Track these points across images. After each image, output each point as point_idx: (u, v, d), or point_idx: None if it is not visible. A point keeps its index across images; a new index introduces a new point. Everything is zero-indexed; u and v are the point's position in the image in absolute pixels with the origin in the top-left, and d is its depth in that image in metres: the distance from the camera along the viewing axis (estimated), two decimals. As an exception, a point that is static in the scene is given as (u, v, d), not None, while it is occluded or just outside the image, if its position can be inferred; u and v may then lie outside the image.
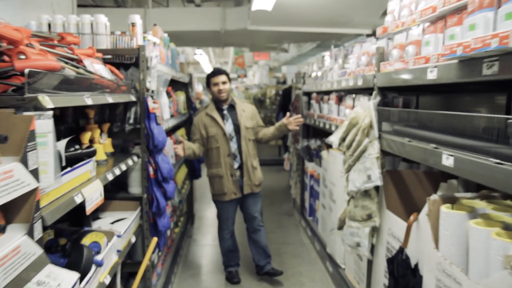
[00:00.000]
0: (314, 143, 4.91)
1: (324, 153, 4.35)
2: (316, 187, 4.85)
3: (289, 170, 6.79)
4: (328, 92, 4.37)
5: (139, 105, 2.55)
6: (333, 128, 3.80)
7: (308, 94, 5.37)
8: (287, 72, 11.13)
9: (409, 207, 2.58)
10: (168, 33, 4.58)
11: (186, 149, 3.59)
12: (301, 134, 5.50)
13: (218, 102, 3.71)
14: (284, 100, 8.53)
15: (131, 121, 2.52)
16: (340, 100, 3.88)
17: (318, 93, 4.72)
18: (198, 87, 20.12)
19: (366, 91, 3.51)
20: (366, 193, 2.62)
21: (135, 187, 2.63)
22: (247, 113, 3.78)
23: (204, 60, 11.41)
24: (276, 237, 5.15)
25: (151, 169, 2.55)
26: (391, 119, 2.62)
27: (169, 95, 3.89)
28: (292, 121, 3.74)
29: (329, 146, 4.39)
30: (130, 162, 2.51)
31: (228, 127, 3.68)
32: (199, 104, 11.55)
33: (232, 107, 3.75)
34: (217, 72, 3.68)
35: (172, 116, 3.92)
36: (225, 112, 3.71)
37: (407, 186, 2.69)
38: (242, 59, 12.21)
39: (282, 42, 5.75)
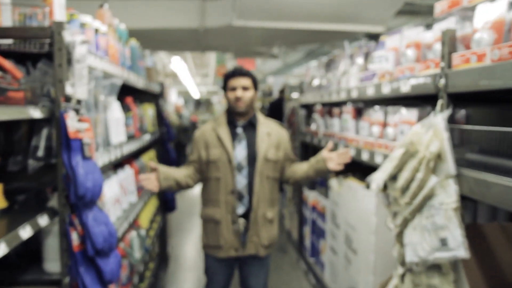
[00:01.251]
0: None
1: (333, 183, 3.36)
2: (320, 223, 3.84)
3: (281, 196, 5.76)
4: (338, 104, 3.39)
5: (54, 125, 1.50)
6: (351, 152, 2.81)
7: (307, 106, 4.39)
8: (273, 83, 10.19)
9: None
10: (133, 31, 3.56)
11: (163, 180, 2.47)
12: (298, 155, 4.50)
13: (232, 115, 2.59)
14: (272, 114, 7.58)
15: (40, 153, 1.47)
16: (359, 113, 2.91)
17: (324, 105, 3.74)
18: (179, 101, 19.04)
19: (404, 101, 2.54)
20: (434, 266, 1.61)
21: (52, 263, 1.57)
22: (273, 139, 2.59)
23: (182, 69, 10.39)
24: (272, 282, 4.06)
25: (75, 236, 1.48)
26: (465, 142, 1.64)
27: (126, 108, 2.85)
28: (335, 157, 2.50)
29: (339, 173, 3.40)
30: (41, 221, 1.46)
31: (239, 152, 2.52)
32: (180, 119, 10.49)
33: (251, 126, 2.60)
34: (237, 72, 2.54)
35: (131, 137, 2.87)
36: (239, 130, 2.56)
37: (493, 250, 1.71)
38: (225, 69, 11.20)
39: (273, 44, 4.81)
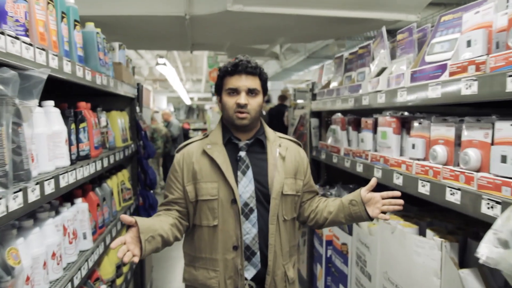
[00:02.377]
0: (336, 192, 3.07)
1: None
2: (339, 264, 2.99)
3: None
4: (365, 112, 2.57)
5: None
6: (395, 179, 1.98)
7: (319, 114, 3.56)
8: (271, 89, 9.38)
9: None
10: (102, 18, 2.73)
11: (147, 243, 1.54)
12: (308, 175, 3.65)
13: (232, 129, 1.83)
14: (271, 122, 6.74)
15: None
16: (403, 125, 2.08)
17: (346, 113, 2.91)
18: (169, 107, 18.12)
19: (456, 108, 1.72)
20: None
21: None
22: (289, 164, 1.84)
23: (169, 73, 9.51)
24: None
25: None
26: None
27: (80, 118, 2.00)
28: (379, 200, 1.77)
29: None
30: None
31: (244, 187, 1.75)
32: (166, 127, 9.60)
33: (258, 145, 1.84)
34: (242, 67, 1.73)
35: (85, 156, 2.02)
36: (243, 153, 1.79)
37: None
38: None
39: (276, 40, 3.98)
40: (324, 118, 3.58)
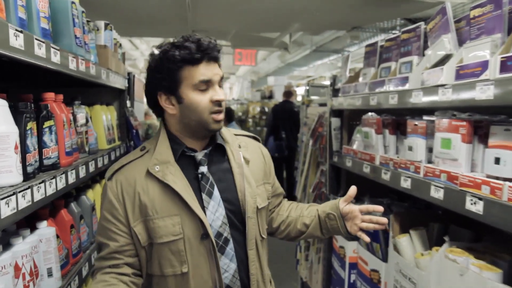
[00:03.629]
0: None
1: (403, 244, 2.02)
2: (367, 293, 2.49)
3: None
4: (401, 112, 2.06)
5: None
6: (469, 204, 1.46)
7: (340, 113, 3.05)
8: (274, 84, 8.84)
9: None
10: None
11: None
12: (327, 184, 3.14)
13: (186, 138, 1.43)
14: (275, 120, 6.21)
15: None
16: (477, 133, 1.57)
17: (379, 112, 2.39)
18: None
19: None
20: None
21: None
22: (255, 164, 1.52)
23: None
24: None
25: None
26: None
27: (44, 114, 1.47)
28: (358, 215, 1.57)
29: (403, 223, 2.09)
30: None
31: (214, 213, 1.39)
32: (148, 132, 8.74)
33: (218, 151, 1.48)
34: (210, 50, 1.33)
35: (51, 166, 1.49)
36: (204, 168, 1.41)
37: None
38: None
39: (289, 27, 3.45)
40: (346, 118, 3.07)
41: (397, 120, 2.28)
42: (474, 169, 1.60)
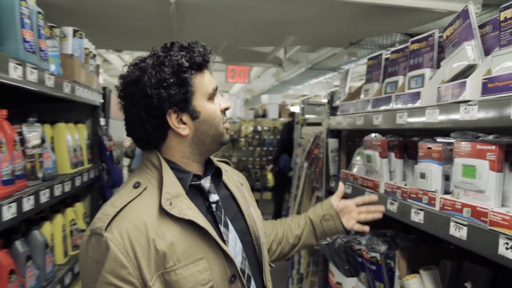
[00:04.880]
0: (368, 242, 2.23)
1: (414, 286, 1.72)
2: None
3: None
4: (421, 133, 1.78)
5: None
6: (502, 249, 1.17)
7: (338, 133, 2.77)
8: (268, 103, 8.60)
9: None
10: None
11: None
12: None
13: (194, 161, 1.21)
14: (282, 144, 6.17)
15: None
16: (508, 159, 1.29)
17: (383, 133, 2.12)
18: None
19: None
20: None
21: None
22: (245, 184, 1.44)
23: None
24: None
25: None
26: None
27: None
28: (353, 208, 1.61)
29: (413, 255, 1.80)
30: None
31: (234, 246, 1.18)
32: (127, 156, 8.04)
33: (217, 174, 1.30)
34: (208, 57, 1.17)
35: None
36: (215, 196, 1.21)
37: None
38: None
39: (283, 40, 3.19)
40: (344, 139, 2.79)
41: (405, 142, 2.01)
42: (506, 204, 1.31)
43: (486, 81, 1.26)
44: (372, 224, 2.44)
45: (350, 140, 2.78)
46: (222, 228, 1.16)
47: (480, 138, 1.43)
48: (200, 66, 1.14)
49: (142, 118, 1.10)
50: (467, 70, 1.41)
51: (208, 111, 1.16)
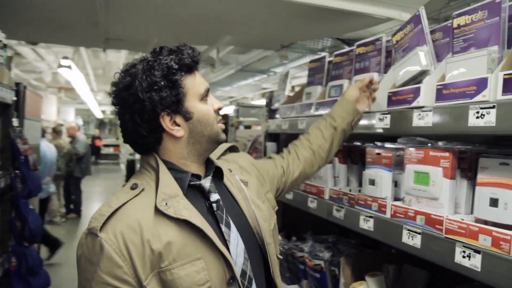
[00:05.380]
0: (310, 249, 2.17)
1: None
2: None
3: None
4: (366, 138, 1.76)
5: None
6: (457, 257, 1.15)
7: (276, 137, 2.71)
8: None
9: None
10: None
11: None
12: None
13: (193, 162, 1.22)
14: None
15: None
16: (459, 166, 1.29)
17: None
18: (76, 120, 16.12)
19: None
20: None
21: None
22: (251, 181, 1.36)
23: (76, 79, 8.02)
24: None
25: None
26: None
27: None
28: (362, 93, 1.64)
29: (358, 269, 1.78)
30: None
31: (235, 246, 1.16)
32: (71, 143, 8.11)
33: (218, 174, 1.27)
34: (198, 55, 1.20)
35: None
36: (215, 196, 1.19)
37: None
38: None
39: (219, 39, 3.04)
40: (282, 143, 2.73)
41: (348, 147, 1.98)
42: (457, 211, 1.31)
43: (441, 88, 1.25)
44: (312, 230, 2.42)
45: (287, 144, 2.73)
46: (223, 228, 1.15)
47: (429, 145, 1.43)
48: (190, 67, 1.16)
49: (136, 122, 1.12)
50: (419, 76, 1.39)
51: (201, 111, 1.17)
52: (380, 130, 1.54)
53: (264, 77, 8.27)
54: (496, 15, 1.15)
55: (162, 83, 1.11)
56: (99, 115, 20.44)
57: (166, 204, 1.08)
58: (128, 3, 2.38)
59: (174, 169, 1.16)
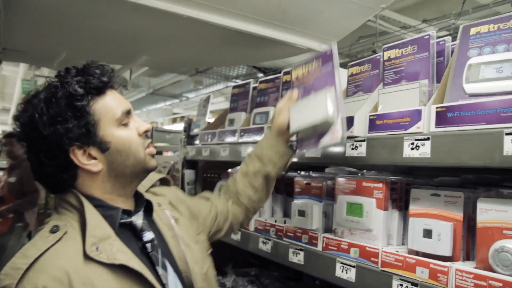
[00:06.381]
0: (232, 284, 2.05)
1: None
2: None
3: None
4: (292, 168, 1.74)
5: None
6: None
7: (194, 164, 2.59)
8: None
9: None
10: None
11: None
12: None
13: (121, 194, 1.06)
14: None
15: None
16: (390, 197, 1.30)
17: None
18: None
19: None
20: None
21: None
22: (182, 218, 1.21)
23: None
24: None
25: None
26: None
27: None
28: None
29: None
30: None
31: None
32: None
33: (148, 208, 1.11)
34: (109, 72, 1.04)
35: None
36: (150, 234, 1.05)
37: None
38: None
39: (135, 59, 2.84)
40: (201, 170, 2.62)
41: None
42: (390, 242, 1.30)
43: (374, 118, 1.25)
44: (233, 262, 2.30)
45: (206, 172, 2.63)
46: (160, 270, 1.02)
47: (360, 175, 1.42)
48: (99, 89, 1.00)
49: (42, 161, 0.97)
50: (321, 125, 1.25)
51: (119, 139, 1.01)
52: (311, 160, 1.50)
53: (176, 102, 8.11)
54: (425, 50, 1.18)
55: (67, 113, 0.96)
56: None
57: (97, 248, 0.93)
58: (32, 9, 2.12)
59: (101, 206, 1.00)
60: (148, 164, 1.07)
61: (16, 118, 1.01)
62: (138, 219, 1.06)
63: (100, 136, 1.00)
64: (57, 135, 0.95)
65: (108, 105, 1.01)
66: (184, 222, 1.21)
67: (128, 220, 1.04)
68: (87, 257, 0.92)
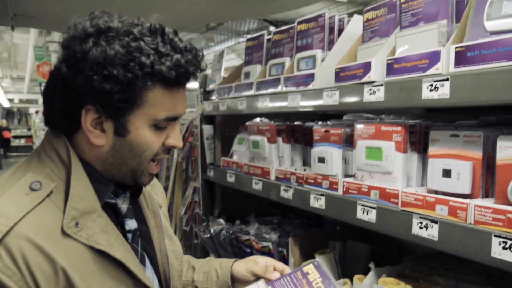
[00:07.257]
0: (256, 231, 2.13)
1: None
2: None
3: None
4: (306, 117, 1.75)
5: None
6: (413, 230, 1.17)
7: (211, 119, 2.62)
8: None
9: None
10: None
11: None
12: (201, 203, 2.66)
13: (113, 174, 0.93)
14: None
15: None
16: (409, 140, 1.32)
17: (272, 116, 2.04)
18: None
19: None
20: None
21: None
22: (164, 207, 1.12)
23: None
24: None
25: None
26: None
27: None
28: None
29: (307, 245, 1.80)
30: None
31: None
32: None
33: (135, 193, 1.01)
34: (195, 67, 0.87)
35: None
36: (133, 223, 0.96)
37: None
38: (50, 67, 7.57)
39: (149, 17, 2.85)
40: (218, 126, 2.65)
41: (292, 126, 1.96)
42: (410, 184, 1.33)
43: (392, 62, 1.25)
44: (256, 212, 2.39)
45: (224, 127, 2.66)
46: (139, 255, 0.96)
47: (378, 120, 1.44)
48: (169, 82, 0.85)
49: (62, 93, 0.84)
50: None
51: (140, 137, 0.88)
52: (330, 108, 1.52)
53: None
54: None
55: (120, 73, 0.80)
56: (6, 104, 18.66)
57: (77, 224, 0.81)
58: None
59: (93, 176, 0.88)
60: (140, 180, 0.94)
61: (69, 29, 0.86)
62: (123, 203, 0.95)
63: (126, 119, 0.86)
64: (89, 81, 0.80)
65: (163, 101, 0.87)
66: (164, 213, 1.14)
67: (113, 201, 0.93)
68: (64, 233, 0.80)
